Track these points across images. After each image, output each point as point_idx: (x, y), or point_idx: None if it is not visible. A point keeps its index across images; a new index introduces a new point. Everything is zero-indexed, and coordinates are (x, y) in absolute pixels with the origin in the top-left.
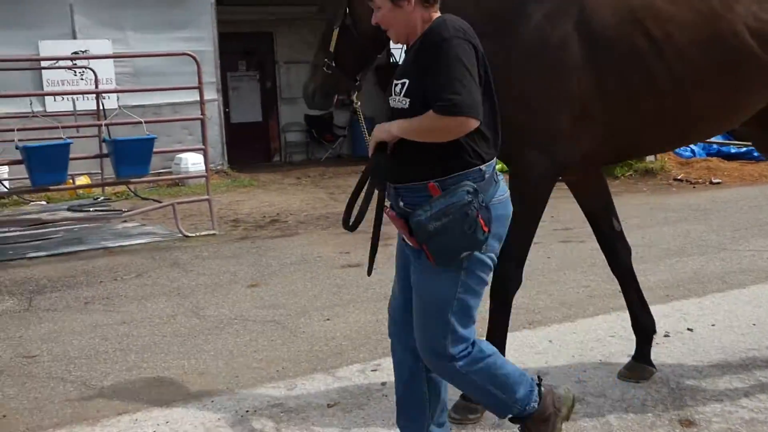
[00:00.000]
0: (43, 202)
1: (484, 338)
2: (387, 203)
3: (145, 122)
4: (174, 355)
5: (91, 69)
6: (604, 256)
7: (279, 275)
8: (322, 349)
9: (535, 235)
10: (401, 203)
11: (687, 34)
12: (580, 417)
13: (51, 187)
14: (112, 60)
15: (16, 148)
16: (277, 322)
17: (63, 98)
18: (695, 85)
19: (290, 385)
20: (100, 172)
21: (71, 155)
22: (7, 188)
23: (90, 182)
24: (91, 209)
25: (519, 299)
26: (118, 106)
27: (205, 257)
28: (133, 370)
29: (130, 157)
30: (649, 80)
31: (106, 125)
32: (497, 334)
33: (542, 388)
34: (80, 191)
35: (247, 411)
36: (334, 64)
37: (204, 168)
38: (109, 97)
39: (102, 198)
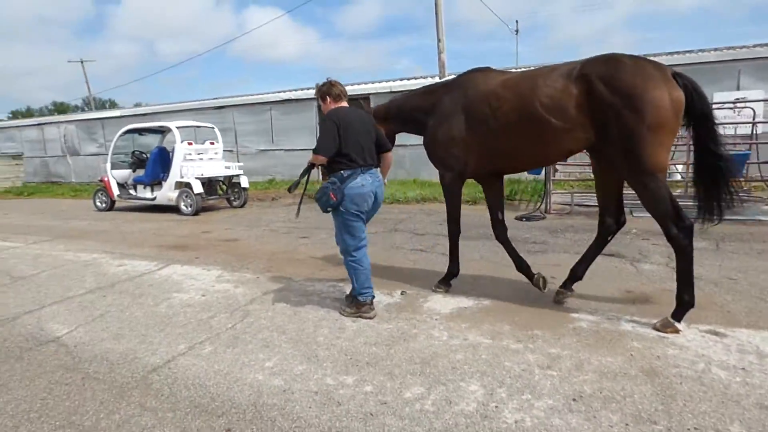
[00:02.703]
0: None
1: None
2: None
3: None
4: None
5: (751, 108)
6: None
7: None
8: None
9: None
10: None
11: (509, 105)
12: None
13: None
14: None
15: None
16: None
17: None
18: (516, 135)
19: None
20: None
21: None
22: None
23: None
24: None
25: None
26: None
27: None
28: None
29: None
30: (490, 130)
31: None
32: (453, 251)
33: (372, 300)
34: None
35: None
36: None
37: None
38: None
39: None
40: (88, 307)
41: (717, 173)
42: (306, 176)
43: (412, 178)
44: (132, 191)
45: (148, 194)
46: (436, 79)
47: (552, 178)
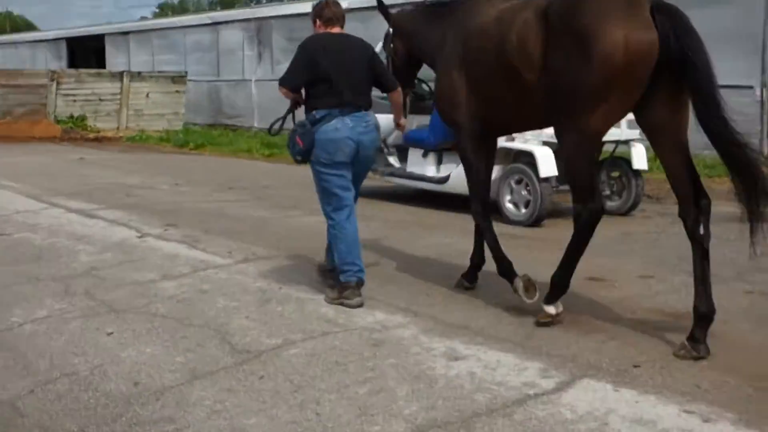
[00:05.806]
0: None
1: None
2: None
3: None
4: None
5: None
6: None
7: None
8: None
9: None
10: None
11: (492, 47)
12: None
13: None
14: None
15: None
16: None
17: None
18: (497, 75)
19: None
20: None
21: None
22: None
23: None
24: None
25: None
26: None
27: None
28: None
29: None
30: (483, 68)
31: None
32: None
33: (357, 282)
34: None
35: None
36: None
37: None
38: None
39: None
40: None
41: (736, 159)
42: (289, 113)
43: None
44: (393, 160)
45: (429, 169)
46: None
47: None
